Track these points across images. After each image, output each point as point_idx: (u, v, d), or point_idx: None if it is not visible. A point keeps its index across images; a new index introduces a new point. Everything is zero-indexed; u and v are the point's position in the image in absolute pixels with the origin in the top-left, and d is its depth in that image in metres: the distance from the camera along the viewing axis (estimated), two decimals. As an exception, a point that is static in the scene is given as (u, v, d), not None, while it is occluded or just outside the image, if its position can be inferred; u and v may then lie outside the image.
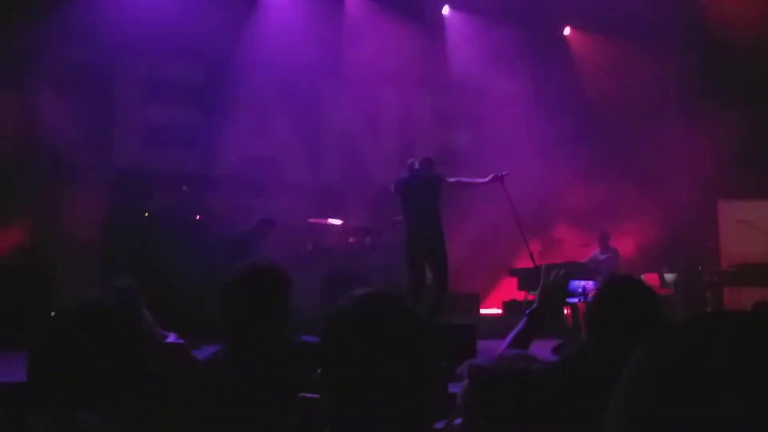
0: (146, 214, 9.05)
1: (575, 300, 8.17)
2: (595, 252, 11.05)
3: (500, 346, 2.24)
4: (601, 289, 2.64)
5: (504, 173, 8.01)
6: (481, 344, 5.97)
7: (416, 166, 8.11)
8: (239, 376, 2.59)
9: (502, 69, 12.14)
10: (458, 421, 1.72)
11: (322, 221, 10.85)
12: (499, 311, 11.62)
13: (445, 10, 13.29)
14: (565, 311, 8.95)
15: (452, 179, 8.05)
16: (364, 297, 1.33)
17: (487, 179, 8.07)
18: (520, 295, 11.21)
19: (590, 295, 7.10)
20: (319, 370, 1.32)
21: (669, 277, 10.75)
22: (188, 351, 2.25)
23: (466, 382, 1.72)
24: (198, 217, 10.21)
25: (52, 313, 1.47)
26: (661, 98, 12.41)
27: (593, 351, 2.49)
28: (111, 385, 1.39)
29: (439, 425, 1.65)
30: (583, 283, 7.58)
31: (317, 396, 1.46)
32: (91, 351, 1.38)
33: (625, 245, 11.36)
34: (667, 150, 11.79)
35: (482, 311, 11.35)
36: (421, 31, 12.55)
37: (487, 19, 12.70)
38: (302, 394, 1.59)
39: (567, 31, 13.46)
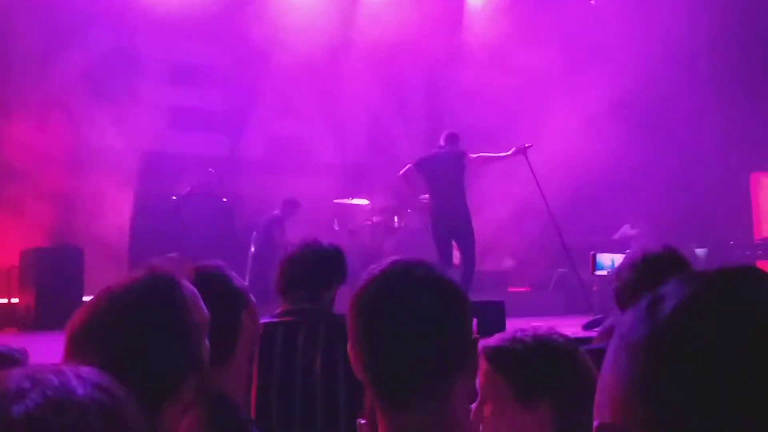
0: (174, 197, 9.11)
1: (603, 273, 8.05)
2: (624, 226, 10.92)
3: (530, 323, 2.20)
4: (637, 261, 2.55)
5: (527, 145, 7.94)
6: (510, 322, 5.93)
7: (441, 142, 8.07)
8: (286, 334, 2.77)
9: (529, 41, 11.98)
10: (487, 408, 1.69)
11: (348, 201, 10.84)
12: (528, 289, 11.56)
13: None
14: (594, 288, 8.87)
15: (474, 155, 8.00)
16: (392, 266, 1.29)
17: (509, 152, 8.02)
18: (550, 273, 11.15)
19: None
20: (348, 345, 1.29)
21: (700, 251, 10.63)
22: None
23: (484, 365, 1.69)
24: (225, 199, 10.26)
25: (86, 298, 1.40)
26: (693, 69, 12.16)
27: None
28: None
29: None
30: (612, 257, 7.48)
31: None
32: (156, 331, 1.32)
33: (655, 219, 11.19)
34: (699, 121, 11.59)
35: (511, 289, 11.30)
36: (443, 3, 12.42)
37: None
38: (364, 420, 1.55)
39: None
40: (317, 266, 2.92)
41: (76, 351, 1.30)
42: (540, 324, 1.84)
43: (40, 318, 7.78)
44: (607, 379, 0.70)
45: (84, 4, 9.87)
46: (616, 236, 10.82)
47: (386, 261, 1.31)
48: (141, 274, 1.40)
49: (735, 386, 0.61)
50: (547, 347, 1.68)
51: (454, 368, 1.25)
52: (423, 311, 1.22)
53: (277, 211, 9.73)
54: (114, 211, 9.62)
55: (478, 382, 1.67)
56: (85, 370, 0.75)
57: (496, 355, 1.69)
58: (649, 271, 2.44)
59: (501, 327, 5.44)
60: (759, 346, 0.61)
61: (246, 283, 2.20)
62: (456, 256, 7.99)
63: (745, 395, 0.61)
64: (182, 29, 10.79)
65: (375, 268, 1.29)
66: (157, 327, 1.33)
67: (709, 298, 0.65)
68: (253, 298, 2.03)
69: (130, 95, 10.48)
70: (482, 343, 1.67)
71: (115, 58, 10.57)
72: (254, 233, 9.76)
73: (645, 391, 0.65)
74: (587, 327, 5.28)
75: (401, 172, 8.16)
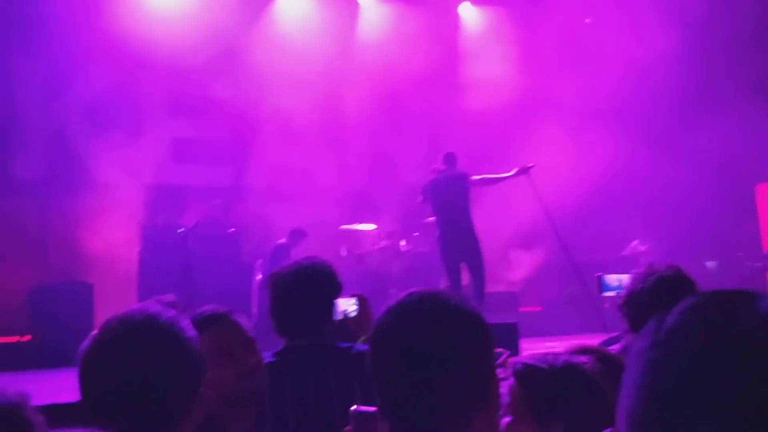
0: (181, 230, 9.14)
1: (611, 294, 7.99)
2: (633, 242, 10.88)
3: (543, 344, 2.18)
4: (642, 280, 2.56)
5: (530, 165, 7.94)
6: (523, 342, 5.90)
7: (442, 166, 8.09)
8: (295, 379, 2.56)
9: (526, 60, 12.04)
10: (506, 420, 1.70)
11: (355, 227, 10.85)
12: (539, 308, 11.50)
13: (464, 6, 13.22)
14: (606, 305, 8.82)
15: (477, 176, 8.02)
16: (408, 297, 1.30)
17: (512, 173, 8.03)
18: (560, 292, 11.10)
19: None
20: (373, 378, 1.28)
21: (710, 264, 10.57)
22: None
23: (511, 380, 1.70)
24: (232, 229, 10.28)
25: (94, 331, 1.45)
26: (696, 81, 12.16)
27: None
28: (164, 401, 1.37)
29: None
30: (618, 277, 7.44)
31: (372, 409, 1.42)
32: (145, 367, 1.36)
33: (664, 234, 11.15)
34: (705, 134, 11.57)
35: (522, 309, 11.25)
36: (439, 29, 12.52)
37: (508, 13, 12.63)
38: (357, 407, 1.55)
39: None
40: (308, 302, 2.65)
41: (88, 378, 1.38)
42: (592, 347, 1.85)
43: (52, 355, 7.76)
44: (621, 393, 0.78)
45: (86, 39, 9.97)
46: (626, 252, 10.77)
47: (403, 293, 1.31)
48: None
49: (725, 390, 0.69)
50: (572, 374, 1.68)
51: (473, 402, 1.24)
52: (438, 343, 1.22)
53: (283, 240, 9.77)
54: (122, 245, 9.65)
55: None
56: None
57: (521, 370, 1.71)
58: (655, 290, 2.44)
59: (514, 349, 5.41)
60: (740, 357, 0.71)
61: (253, 313, 2.21)
62: (465, 278, 7.97)
63: (731, 398, 0.69)
64: (181, 62, 10.88)
65: (392, 300, 1.29)
66: (164, 350, 1.38)
67: (702, 317, 0.75)
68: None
69: (133, 129, 10.55)
70: (513, 359, 1.68)
71: (118, 92, 10.65)
72: (260, 261, 9.78)
73: (645, 397, 0.73)
74: (604, 345, 5.22)
75: (419, 200, 8.26)
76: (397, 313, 1.26)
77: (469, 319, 1.27)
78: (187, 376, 1.40)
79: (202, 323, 1.98)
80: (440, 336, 1.23)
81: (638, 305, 2.51)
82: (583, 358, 1.73)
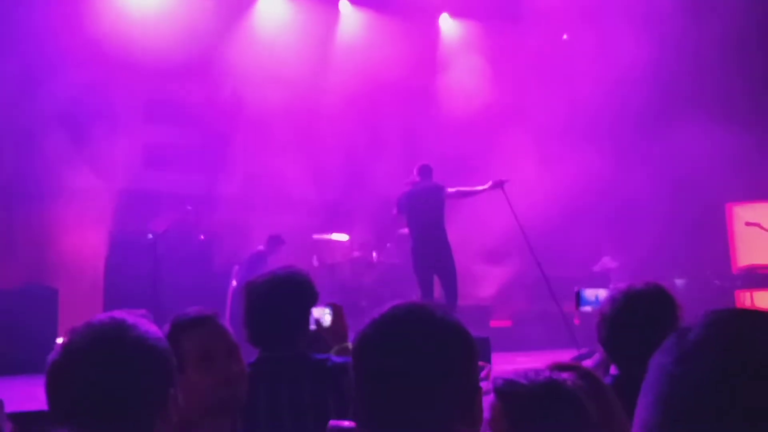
0: (150, 236, 9.01)
1: (588, 309, 8.01)
2: (604, 258, 10.94)
3: (515, 358, 2.15)
4: (620, 297, 2.52)
5: (504, 179, 7.95)
6: (495, 357, 5.88)
7: (417, 177, 8.07)
8: (270, 390, 2.51)
9: (502, 74, 12.12)
10: None
11: (327, 237, 10.79)
12: (509, 323, 11.50)
13: (443, 18, 13.29)
14: (576, 321, 8.85)
15: (452, 189, 8.00)
16: (391, 310, 1.27)
17: (486, 186, 8.01)
18: (531, 306, 11.11)
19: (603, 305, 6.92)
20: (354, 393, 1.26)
21: (679, 282, 10.65)
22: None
23: (492, 395, 1.67)
24: (202, 237, 10.17)
25: (60, 339, 1.43)
26: (670, 100, 12.30)
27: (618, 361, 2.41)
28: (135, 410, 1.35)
29: None
30: (595, 291, 7.46)
31: (350, 425, 1.38)
32: (113, 378, 1.34)
33: (635, 251, 11.24)
34: (677, 152, 11.70)
35: (493, 323, 11.23)
36: (418, 40, 12.56)
37: (486, 27, 12.70)
38: (334, 423, 1.51)
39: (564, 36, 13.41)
40: (284, 312, 2.59)
41: (57, 387, 1.36)
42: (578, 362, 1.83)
43: (14, 361, 7.58)
44: (638, 404, 0.82)
45: (57, 42, 9.82)
46: (596, 268, 10.83)
47: (388, 304, 1.28)
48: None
49: (743, 405, 0.73)
50: (554, 391, 1.65)
51: (458, 415, 1.21)
52: (425, 356, 1.20)
53: (261, 247, 9.69)
54: (89, 250, 9.49)
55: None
56: None
57: (502, 386, 1.67)
58: (633, 307, 2.41)
59: (487, 362, 5.38)
60: (761, 374, 0.75)
61: (226, 320, 2.13)
62: (437, 291, 7.94)
63: (750, 414, 0.73)
64: (156, 66, 10.77)
65: (375, 312, 1.26)
66: (133, 353, 1.37)
67: (725, 333, 0.79)
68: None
69: (105, 133, 10.40)
70: (495, 375, 1.66)
71: (89, 96, 10.49)
72: (236, 267, 9.67)
73: (662, 410, 0.77)
74: (575, 361, 5.22)
75: (394, 212, 8.21)
76: (383, 324, 1.23)
77: (456, 332, 1.24)
78: (157, 378, 1.39)
79: (186, 325, 1.95)
80: (428, 349, 1.21)
81: (611, 321, 2.48)
82: (564, 375, 1.70)
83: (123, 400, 1.33)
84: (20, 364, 7.23)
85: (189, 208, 9.93)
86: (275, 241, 9.70)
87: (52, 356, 1.38)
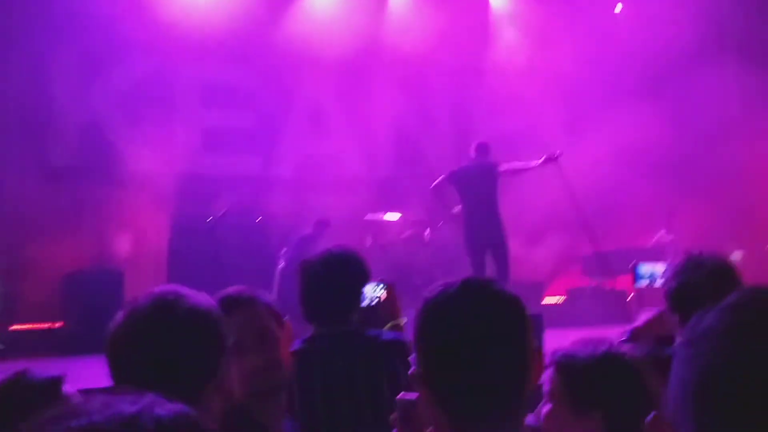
0: (209, 219, 9.22)
1: (643, 284, 7.95)
2: (660, 232, 10.75)
3: (567, 335, 2.21)
4: (686, 267, 2.49)
5: (557, 153, 7.86)
6: (547, 334, 5.90)
7: (472, 153, 8.06)
8: (324, 367, 2.59)
9: (555, 48, 11.94)
10: (545, 408, 1.72)
11: (380, 216, 10.87)
12: (562, 299, 11.41)
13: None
14: (630, 295, 8.77)
15: (505, 166, 7.94)
16: (456, 286, 1.32)
17: (540, 161, 7.93)
18: (585, 282, 11.04)
19: (660, 279, 6.81)
20: (414, 368, 1.30)
21: (736, 254, 10.41)
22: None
23: (550, 369, 1.72)
24: (259, 218, 10.35)
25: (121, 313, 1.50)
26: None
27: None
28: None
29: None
30: (651, 267, 7.35)
31: (414, 395, 1.45)
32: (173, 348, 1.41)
33: (690, 223, 10.99)
34: (732, 121, 11.37)
35: (545, 300, 11.17)
36: (467, 15, 12.45)
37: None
38: (402, 395, 1.58)
39: (618, 8, 13.09)
40: (337, 290, 2.68)
41: (116, 349, 1.45)
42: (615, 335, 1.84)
43: (82, 342, 7.87)
44: (670, 382, 0.84)
45: (117, 29, 10.07)
46: (652, 242, 10.66)
47: (439, 283, 1.34)
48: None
49: (752, 392, 0.73)
50: (613, 363, 1.69)
51: (523, 382, 1.28)
52: (489, 326, 1.26)
53: (308, 230, 9.83)
54: (152, 233, 9.76)
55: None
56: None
57: (561, 359, 1.72)
58: (699, 278, 2.41)
59: (539, 341, 5.41)
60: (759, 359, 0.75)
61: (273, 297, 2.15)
62: (489, 269, 7.95)
63: (758, 401, 0.74)
64: (212, 50, 10.95)
65: (431, 289, 1.33)
66: (187, 318, 1.45)
67: (739, 320, 0.79)
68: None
69: (165, 118, 10.64)
70: (553, 348, 1.71)
71: (149, 82, 10.74)
72: (284, 249, 9.84)
73: (680, 390, 0.79)
74: (629, 336, 5.21)
75: (433, 184, 8.16)
76: (444, 299, 1.29)
77: (511, 302, 1.31)
78: (209, 345, 1.45)
79: (230, 303, 1.89)
80: (486, 319, 1.27)
81: (688, 297, 2.43)
82: (624, 347, 1.73)
83: (174, 362, 1.39)
84: (88, 344, 7.51)
85: (246, 190, 10.12)
86: (322, 225, 9.83)
87: (114, 321, 1.48)
